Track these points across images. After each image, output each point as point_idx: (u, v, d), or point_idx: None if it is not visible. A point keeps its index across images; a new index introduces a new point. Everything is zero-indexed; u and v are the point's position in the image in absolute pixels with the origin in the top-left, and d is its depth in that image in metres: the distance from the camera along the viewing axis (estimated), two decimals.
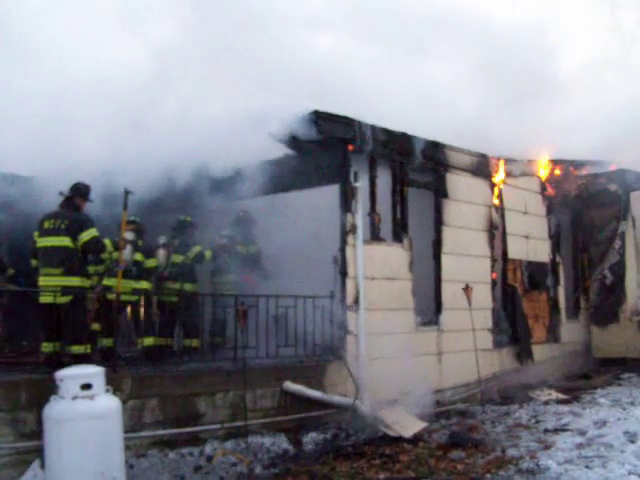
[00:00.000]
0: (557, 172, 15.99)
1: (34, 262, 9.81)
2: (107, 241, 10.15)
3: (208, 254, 11.91)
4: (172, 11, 11.42)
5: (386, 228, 11.62)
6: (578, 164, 16.64)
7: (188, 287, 11.50)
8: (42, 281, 9.05)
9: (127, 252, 10.31)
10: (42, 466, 7.41)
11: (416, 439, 9.36)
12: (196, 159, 13.04)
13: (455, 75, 12.80)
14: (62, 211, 9.25)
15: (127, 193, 9.85)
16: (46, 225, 9.14)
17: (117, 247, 10.16)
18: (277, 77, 10.99)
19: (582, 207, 16.24)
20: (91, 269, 11.11)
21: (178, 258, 11.48)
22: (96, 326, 10.40)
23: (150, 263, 10.88)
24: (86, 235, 9.09)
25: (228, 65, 10.93)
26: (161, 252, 11.39)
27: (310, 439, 9.35)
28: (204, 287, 12.40)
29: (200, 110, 11.18)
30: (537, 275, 15.20)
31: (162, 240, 11.58)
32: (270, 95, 10.66)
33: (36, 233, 9.42)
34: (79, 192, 9.41)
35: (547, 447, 8.69)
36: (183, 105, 11.10)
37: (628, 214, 17.19)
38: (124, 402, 8.06)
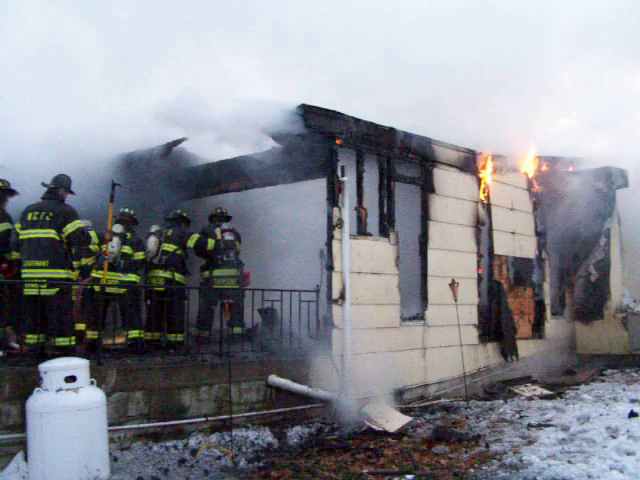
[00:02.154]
0: (544, 169, 16.06)
1: (15, 254, 9.75)
2: (92, 233, 10.11)
3: (211, 242, 11.87)
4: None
5: (373, 223, 11.64)
6: (565, 161, 16.72)
7: (178, 277, 11.46)
8: (26, 273, 8.98)
9: (114, 245, 10.28)
10: (25, 458, 7.40)
11: (400, 433, 9.40)
12: (183, 151, 13.07)
13: (444, 71, 12.81)
14: (46, 203, 9.20)
15: (114, 185, 9.81)
16: (30, 217, 9.07)
17: (103, 239, 10.14)
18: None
19: (568, 204, 16.31)
20: (75, 264, 11.08)
21: (170, 247, 11.44)
22: (81, 326, 10.35)
23: (138, 256, 10.83)
24: (71, 227, 9.06)
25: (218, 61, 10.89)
26: (152, 239, 11.38)
27: (295, 433, 9.36)
28: (193, 282, 12.43)
29: (189, 102, 11.12)
30: (523, 271, 15.28)
31: (153, 229, 11.57)
32: (259, 89, 10.64)
33: (18, 225, 9.34)
34: (63, 184, 9.36)
35: (530, 442, 8.74)
36: (173, 94, 11.04)
37: (614, 211, 17.32)
38: (108, 395, 8.06)
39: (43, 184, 9.34)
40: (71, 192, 9.49)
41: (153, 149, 12.46)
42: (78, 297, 10.67)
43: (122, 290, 10.34)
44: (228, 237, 12.26)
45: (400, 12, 12.64)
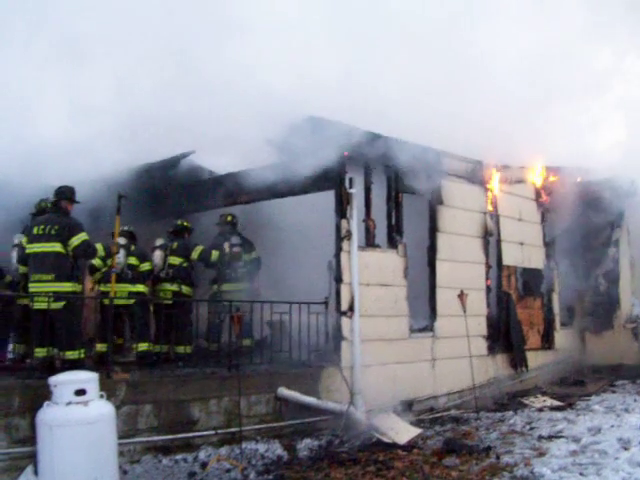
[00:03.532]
0: (551, 179, 16.04)
1: (22, 268, 9.79)
2: (99, 245, 10.11)
3: (215, 254, 11.86)
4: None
5: (381, 234, 11.64)
6: (572, 171, 16.67)
7: (185, 290, 11.46)
8: (33, 287, 9.00)
9: (120, 256, 10.30)
10: (35, 472, 7.39)
11: (410, 446, 9.34)
12: (191, 163, 13.09)
13: (450, 81, 12.79)
14: (51, 216, 9.22)
15: (120, 197, 9.83)
16: (35, 231, 9.11)
17: (110, 252, 10.15)
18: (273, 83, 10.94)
19: (576, 214, 16.29)
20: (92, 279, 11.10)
21: (176, 260, 11.44)
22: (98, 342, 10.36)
23: (145, 266, 10.85)
24: (76, 240, 9.05)
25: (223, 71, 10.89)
26: (157, 253, 11.38)
27: (304, 445, 9.33)
28: (204, 296, 12.44)
29: (196, 114, 11.15)
30: (532, 282, 15.23)
31: (158, 242, 11.58)
32: (267, 101, 10.65)
33: (24, 239, 9.38)
34: (64, 195, 9.34)
35: (541, 454, 8.67)
36: (181, 109, 11.05)
37: (622, 221, 17.25)
38: (118, 408, 8.05)
39: (45, 200, 9.41)
40: (75, 202, 9.49)
41: (161, 162, 12.49)
42: (89, 311, 10.72)
43: (131, 301, 10.37)
44: (233, 251, 12.24)
45: (405, 18, 12.62)
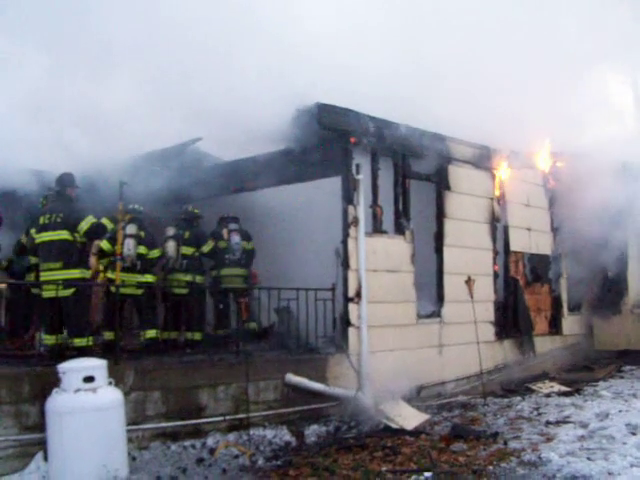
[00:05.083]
0: (559, 165, 15.95)
1: (33, 259, 9.84)
2: (105, 220, 9.94)
3: (222, 244, 11.93)
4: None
5: (388, 220, 11.62)
6: (580, 156, 16.57)
7: (199, 279, 11.50)
8: (43, 276, 9.08)
9: (130, 246, 10.23)
10: (45, 458, 7.45)
11: (418, 431, 9.39)
12: (197, 151, 13.05)
13: (456, 66, 12.73)
14: (56, 205, 9.30)
15: (122, 184, 9.82)
16: (42, 221, 9.20)
17: (115, 240, 10.11)
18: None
19: (584, 199, 16.18)
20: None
21: (188, 250, 11.45)
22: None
23: (154, 253, 10.78)
24: (85, 224, 9.12)
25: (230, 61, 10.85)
26: (170, 244, 11.31)
27: (312, 431, 9.37)
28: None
29: (204, 101, 11.11)
30: (539, 267, 15.20)
31: (171, 232, 11.49)
32: (273, 87, 10.60)
33: (32, 230, 9.44)
34: (66, 182, 9.40)
35: (549, 439, 8.70)
36: (187, 93, 11.00)
37: (631, 207, 17.13)
38: (126, 394, 8.09)
39: (49, 189, 9.43)
40: (76, 187, 9.53)
41: (168, 149, 12.46)
42: (97, 298, 10.72)
43: (139, 291, 10.36)
44: (235, 237, 12.22)
45: (416, 4, 12.54)
